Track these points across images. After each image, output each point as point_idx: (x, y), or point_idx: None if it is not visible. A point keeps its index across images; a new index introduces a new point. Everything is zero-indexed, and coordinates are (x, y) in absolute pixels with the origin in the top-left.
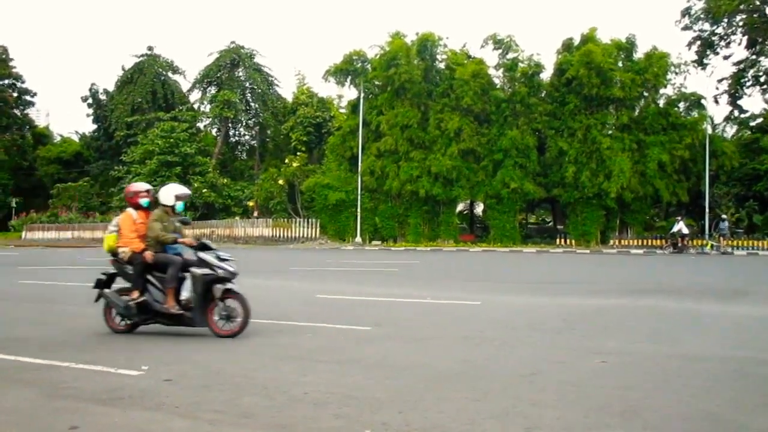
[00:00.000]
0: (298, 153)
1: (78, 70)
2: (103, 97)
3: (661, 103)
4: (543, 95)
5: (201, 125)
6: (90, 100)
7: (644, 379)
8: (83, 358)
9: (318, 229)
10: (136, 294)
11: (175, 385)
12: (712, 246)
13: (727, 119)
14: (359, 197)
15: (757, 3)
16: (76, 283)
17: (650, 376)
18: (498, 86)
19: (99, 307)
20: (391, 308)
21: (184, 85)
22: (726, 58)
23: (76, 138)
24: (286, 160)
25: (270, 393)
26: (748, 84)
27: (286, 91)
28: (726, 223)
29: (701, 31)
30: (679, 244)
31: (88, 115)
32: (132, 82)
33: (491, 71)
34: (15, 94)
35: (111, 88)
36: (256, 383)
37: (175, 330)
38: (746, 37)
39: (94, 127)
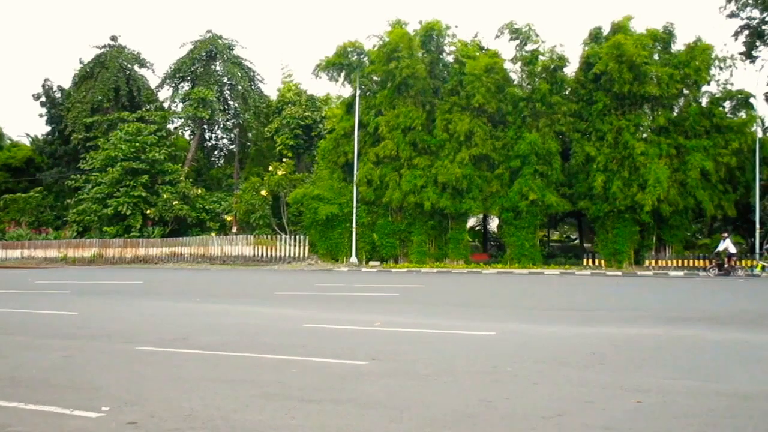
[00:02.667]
0: (284, 159)
1: (29, 64)
2: (58, 94)
3: (704, 102)
4: (567, 93)
5: (172, 127)
6: (43, 98)
7: (687, 423)
8: (34, 397)
9: (307, 248)
10: None
11: (141, 429)
12: (763, 267)
13: None
14: (355, 211)
15: None
16: (27, 310)
17: (694, 418)
18: (515, 82)
19: (56, 339)
20: (391, 339)
21: (153, 81)
22: None
23: (26, 142)
24: (270, 168)
25: None
26: None
27: (271, 88)
28: None
29: (750, 18)
30: (726, 265)
31: (40, 116)
32: (92, 78)
33: (507, 65)
34: None
35: (67, 84)
36: (235, 426)
37: (142, 364)
38: None
39: (48, 129)
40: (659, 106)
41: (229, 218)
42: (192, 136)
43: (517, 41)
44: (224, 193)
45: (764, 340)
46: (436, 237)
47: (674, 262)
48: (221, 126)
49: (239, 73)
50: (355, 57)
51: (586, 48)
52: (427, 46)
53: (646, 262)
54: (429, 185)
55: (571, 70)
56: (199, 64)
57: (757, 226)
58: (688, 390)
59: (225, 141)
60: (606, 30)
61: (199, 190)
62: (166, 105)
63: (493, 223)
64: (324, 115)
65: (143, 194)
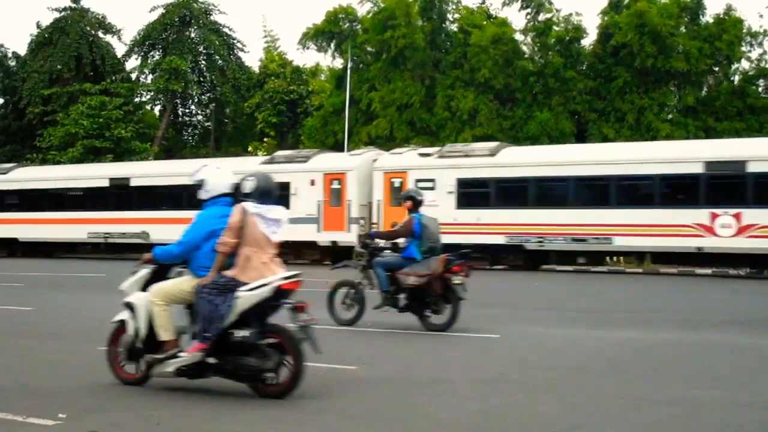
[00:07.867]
0: (266, 138)
1: None
2: (12, 62)
3: (736, 80)
4: (583, 68)
5: (140, 100)
6: None
7: None
8: None
9: None
10: None
11: None
12: None
13: None
14: None
15: None
16: None
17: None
18: (526, 55)
19: (7, 337)
20: (384, 341)
21: (119, 49)
22: None
23: None
24: (250, 148)
25: None
26: None
27: (252, 58)
28: None
29: None
30: None
31: None
32: (50, 44)
33: (517, 36)
34: None
35: (23, 51)
36: None
37: (104, 367)
38: None
39: (1, 101)
40: (687, 84)
41: None
42: (162, 112)
43: (529, 9)
44: None
45: None
46: None
47: None
48: (195, 100)
49: (217, 42)
50: (347, 25)
51: (605, 17)
52: (427, 14)
53: None
54: None
55: (588, 42)
56: (171, 31)
57: None
58: (716, 401)
59: (200, 117)
60: None
61: None
62: (133, 76)
63: None
64: (311, 90)
65: None
